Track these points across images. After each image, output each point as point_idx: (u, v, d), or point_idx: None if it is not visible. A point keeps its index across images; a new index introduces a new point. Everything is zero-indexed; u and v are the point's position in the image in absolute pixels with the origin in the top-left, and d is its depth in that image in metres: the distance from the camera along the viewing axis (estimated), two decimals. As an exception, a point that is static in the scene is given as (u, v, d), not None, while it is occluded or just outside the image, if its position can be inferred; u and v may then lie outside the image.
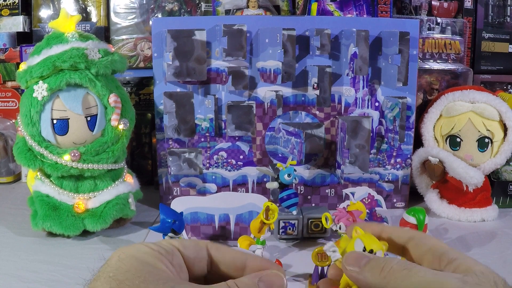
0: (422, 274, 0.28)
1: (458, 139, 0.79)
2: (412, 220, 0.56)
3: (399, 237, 0.34)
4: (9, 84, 1.00)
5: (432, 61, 0.93)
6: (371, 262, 0.31)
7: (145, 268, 0.27)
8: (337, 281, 0.35)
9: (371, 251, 0.33)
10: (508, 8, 1.02)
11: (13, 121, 0.98)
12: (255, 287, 0.29)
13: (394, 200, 0.84)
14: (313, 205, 0.83)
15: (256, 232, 0.58)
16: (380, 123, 0.82)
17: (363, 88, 0.81)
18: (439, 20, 0.96)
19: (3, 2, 1.02)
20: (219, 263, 0.32)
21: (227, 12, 0.99)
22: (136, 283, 0.26)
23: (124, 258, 0.28)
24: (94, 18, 1.02)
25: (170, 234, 0.54)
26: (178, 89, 0.79)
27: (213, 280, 0.31)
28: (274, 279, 0.30)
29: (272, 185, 0.67)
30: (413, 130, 0.82)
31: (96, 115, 0.69)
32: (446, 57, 0.94)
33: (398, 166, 0.83)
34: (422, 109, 0.86)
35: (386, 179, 0.83)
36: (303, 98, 0.80)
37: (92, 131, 0.69)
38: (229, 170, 0.81)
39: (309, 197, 0.83)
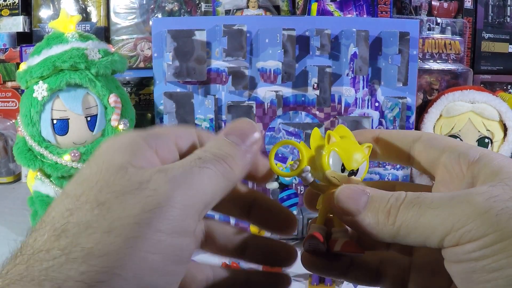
0: (436, 206, 0.21)
1: (458, 139, 0.79)
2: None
3: (401, 141, 0.27)
4: (9, 84, 1.00)
5: (432, 61, 0.93)
6: (373, 203, 0.23)
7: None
8: (322, 211, 0.27)
9: (351, 172, 0.26)
10: (508, 8, 1.02)
11: (13, 121, 0.98)
12: (225, 144, 0.24)
13: (394, 200, 0.84)
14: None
15: None
16: (380, 123, 0.82)
17: (363, 88, 0.81)
18: (439, 20, 0.96)
19: (3, 2, 1.02)
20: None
21: (227, 12, 0.99)
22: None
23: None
24: (94, 18, 1.02)
25: None
26: (178, 89, 0.79)
27: None
28: (245, 126, 0.25)
29: (272, 185, 0.67)
30: (413, 130, 0.82)
31: (96, 115, 0.69)
32: (446, 57, 0.94)
33: (398, 166, 0.83)
34: (422, 109, 0.86)
35: (386, 180, 0.83)
36: (303, 98, 0.80)
37: (92, 131, 0.69)
38: (229, 170, 0.81)
39: (309, 197, 0.83)
